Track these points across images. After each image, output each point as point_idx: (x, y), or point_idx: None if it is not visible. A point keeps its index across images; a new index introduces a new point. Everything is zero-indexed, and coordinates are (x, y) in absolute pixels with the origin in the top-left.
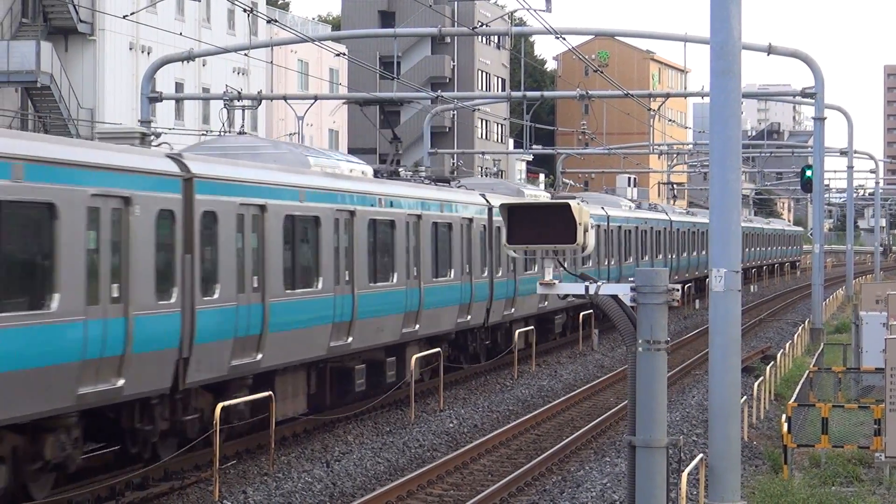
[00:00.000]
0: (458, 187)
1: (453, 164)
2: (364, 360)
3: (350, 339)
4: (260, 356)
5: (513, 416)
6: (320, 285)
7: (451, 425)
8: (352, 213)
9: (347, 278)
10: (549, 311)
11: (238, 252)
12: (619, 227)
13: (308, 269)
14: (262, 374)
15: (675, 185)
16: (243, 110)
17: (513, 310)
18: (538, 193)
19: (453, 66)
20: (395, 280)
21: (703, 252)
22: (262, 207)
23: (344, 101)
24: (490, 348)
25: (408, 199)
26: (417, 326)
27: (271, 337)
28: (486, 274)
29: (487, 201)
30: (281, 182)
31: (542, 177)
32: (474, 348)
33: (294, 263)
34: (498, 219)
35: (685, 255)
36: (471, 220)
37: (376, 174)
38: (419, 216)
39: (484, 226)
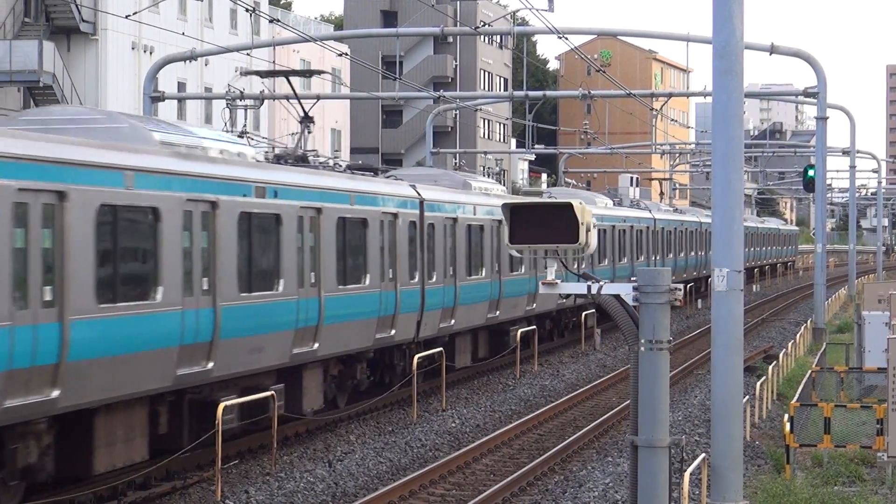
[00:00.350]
0: (388, 177)
1: (455, 163)
2: (239, 389)
3: (210, 364)
4: (56, 393)
5: (515, 415)
6: (160, 297)
7: (453, 425)
8: (213, 203)
9: (206, 287)
10: (504, 322)
11: (14, 254)
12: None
13: (140, 276)
14: (66, 414)
15: (665, 182)
16: (245, 110)
17: (452, 321)
18: (489, 186)
19: (456, 65)
20: (281, 289)
21: (693, 253)
22: (61, 195)
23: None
24: (425, 366)
25: (301, 189)
26: (317, 345)
27: (75, 366)
28: (416, 279)
29: (418, 194)
30: (92, 161)
31: (544, 176)
32: (403, 367)
33: (115, 269)
34: (431, 214)
35: (671, 256)
36: (395, 215)
37: (278, 160)
38: (318, 209)
39: (414, 222)
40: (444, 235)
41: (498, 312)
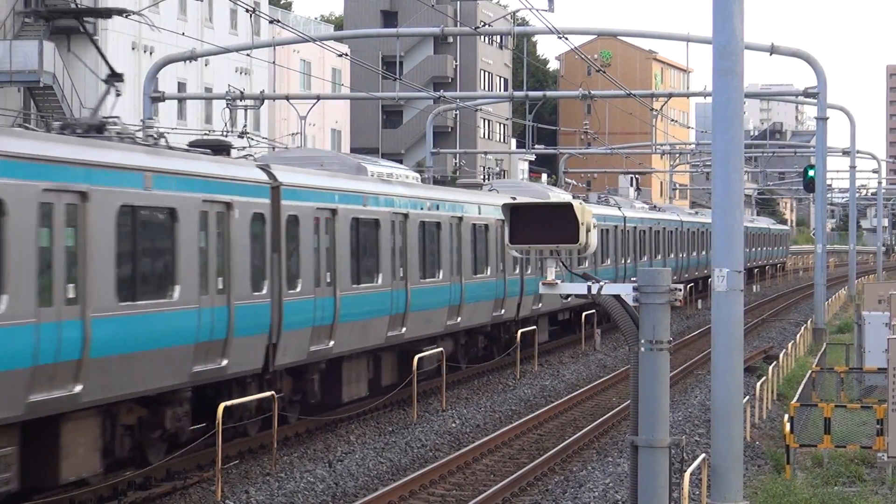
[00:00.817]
0: (245, 156)
1: (455, 164)
2: None
3: None
4: None
5: (515, 415)
6: None
7: (453, 425)
8: None
9: None
10: (414, 340)
11: None
12: None
13: None
14: None
15: (637, 179)
16: (246, 110)
17: (331, 342)
18: (394, 172)
19: (456, 65)
20: (3, 308)
21: (672, 255)
22: None
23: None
24: (299, 403)
25: (43, 164)
26: (79, 387)
27: None
28: (264, 290)
29: (273, 177)
30: None
31: (544, 177)
32: (248, 412)
33: None
34: (294, 203)
35: (645, 258)
36: (228, 204)
37: (63, 129)
38: (83, 194)
39: (261, 214)
40: (317, 231)
41: (404, 329)
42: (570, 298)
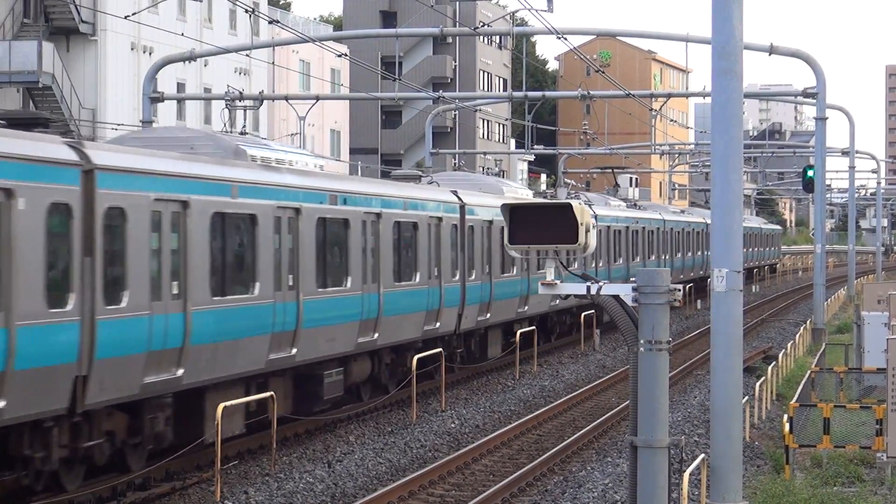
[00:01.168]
0: (65, 133)
1: (455, 164)
2: None
3: None
4: None
5: (514, 416)
6: None
7: (452, 425)
8: None
9: None
10: (313, 363)
11: None
12: (491, 222)
13: None
14: None
15: (614, 170)
16: (245, 110)
17: (180, 371)
18: (285, 157)
19: (455, 66)
20: None
21: (654, 257)
22: None
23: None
24: (141, 446)
25: None
26: None
27: None
28: (69, 306)
29: (86, 158)
30: None
31: (543, 177)
32: (68, 456)
33: None
34: (113, 191)
35: (621, 261)
36: (9, 191)
37: None
38: None
39: (66, 206)
40: (157, 229)
41: (295, 350)
42: (526, 308)
